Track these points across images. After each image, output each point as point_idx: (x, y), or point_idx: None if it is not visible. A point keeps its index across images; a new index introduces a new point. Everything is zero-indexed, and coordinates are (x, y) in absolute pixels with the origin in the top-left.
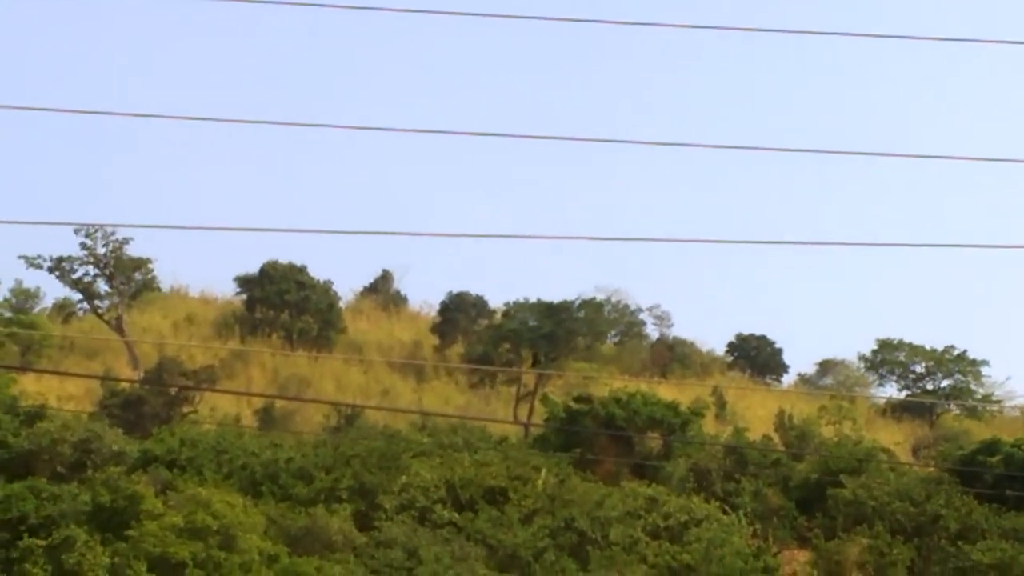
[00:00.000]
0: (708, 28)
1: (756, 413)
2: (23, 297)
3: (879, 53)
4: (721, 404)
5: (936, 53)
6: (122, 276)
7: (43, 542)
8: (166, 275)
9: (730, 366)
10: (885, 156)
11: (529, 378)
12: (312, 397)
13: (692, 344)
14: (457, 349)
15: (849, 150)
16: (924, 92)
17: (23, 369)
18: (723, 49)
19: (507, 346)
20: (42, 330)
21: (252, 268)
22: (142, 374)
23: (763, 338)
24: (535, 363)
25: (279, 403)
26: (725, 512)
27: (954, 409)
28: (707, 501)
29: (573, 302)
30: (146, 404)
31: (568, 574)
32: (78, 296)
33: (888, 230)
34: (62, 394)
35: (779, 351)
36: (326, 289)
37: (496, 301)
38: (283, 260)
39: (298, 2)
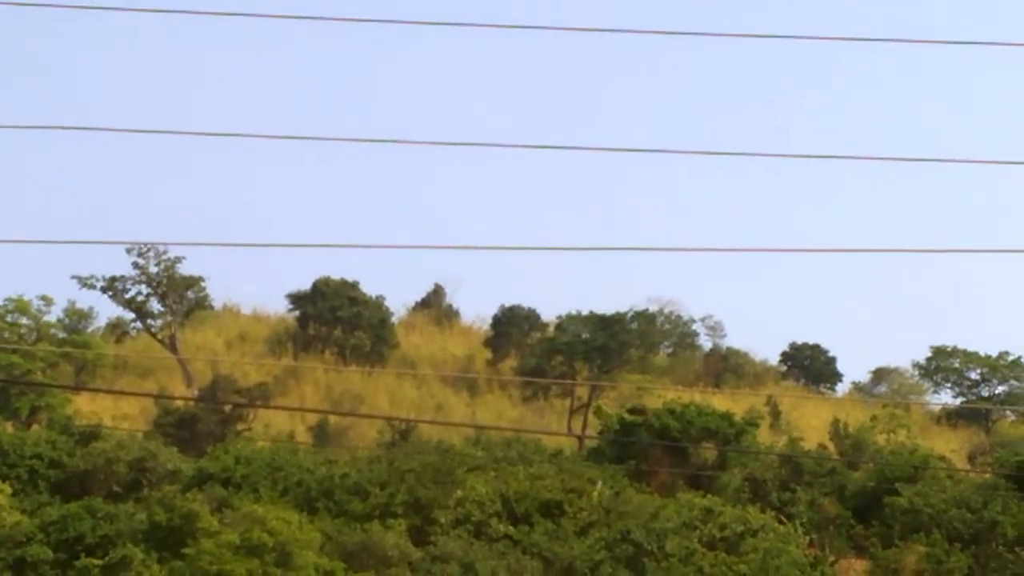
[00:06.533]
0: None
1: (810, 422)
2: (76, 317)
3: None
4: (775, 414)
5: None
6: (175, 295)
7: (100, 562)
8: (218, 293)
9: (784, 375)
10: (936, 162)
11: (583, 391)
12: (366, 413)
13: (746, 354)
14: (510, 363)
15: (905, 157)
16: (985, 96)
17: (78, 389)
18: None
19: (560, 359)
20: (96, 350)
21: (304, 285)
22: (196, 392)
23: (817, 347)
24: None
25: (333, 419)
26: (781, 522)
27: (1010, 415)
28: (763, 511)
29: (626, 314)
30: (200, 422)
31: None
32: (131, 315)
33: (940, 236)
34: (116, 413)
35: (833, 360)
36: (378, 305)
37: (548, 314)
38: (335, 276)
39: (352, 19)
